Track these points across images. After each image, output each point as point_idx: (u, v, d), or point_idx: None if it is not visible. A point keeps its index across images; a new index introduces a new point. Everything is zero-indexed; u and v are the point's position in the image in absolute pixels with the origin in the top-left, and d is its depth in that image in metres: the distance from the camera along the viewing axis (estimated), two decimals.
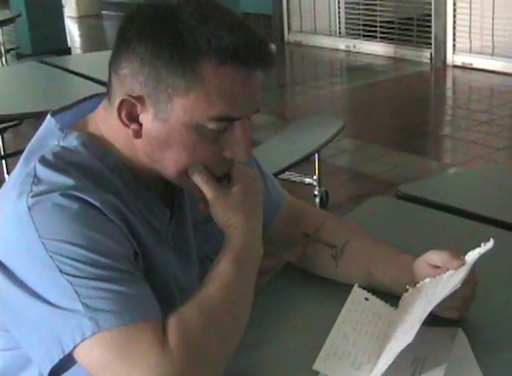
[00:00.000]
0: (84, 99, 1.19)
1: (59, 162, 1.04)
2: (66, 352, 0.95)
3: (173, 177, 1.09)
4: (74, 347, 0.95)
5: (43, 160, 1.04)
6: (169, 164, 1.07)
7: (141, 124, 1.05)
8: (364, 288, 1.22)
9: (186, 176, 1.08)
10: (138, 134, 1.06)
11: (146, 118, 1.04)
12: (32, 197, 0.99)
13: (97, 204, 1.00)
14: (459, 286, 1.07)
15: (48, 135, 1.10)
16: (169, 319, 0.98)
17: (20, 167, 1.08)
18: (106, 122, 1.10)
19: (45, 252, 0.97)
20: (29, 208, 0.98)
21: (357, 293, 1.21)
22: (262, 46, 1.04)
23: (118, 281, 0.97)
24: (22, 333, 1.01)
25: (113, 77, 1.07)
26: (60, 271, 0.96)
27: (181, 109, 1.02)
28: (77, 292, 0.95)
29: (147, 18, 1.03)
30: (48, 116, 1.14)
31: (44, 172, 1.03)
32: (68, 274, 0.96)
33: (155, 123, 1.04)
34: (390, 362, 1.00)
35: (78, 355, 0.96)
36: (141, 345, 0.94)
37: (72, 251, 0.97)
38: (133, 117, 1.05)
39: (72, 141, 1.08)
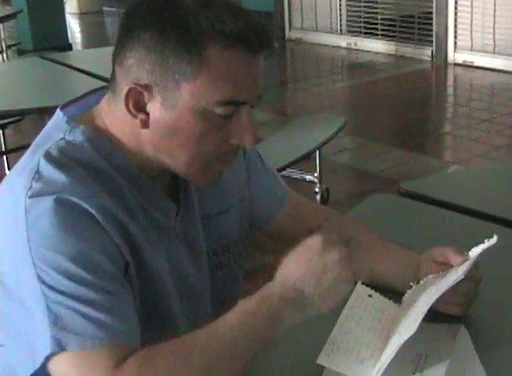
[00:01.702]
0: (92, 92, 1.19)
1: (63, 158, 1.04)
2: (38, 365, 0.95)
3: (181, 166, 1.09)
4: (46, 359, 0.95)
5: (47, 156, 1.04)
6: (177, 152, 1.06)
7: (148, 114, 1.05)
8: (367, 285, 1.22)
9: (194, 166, 1.08)
10: (145, 124, 1.05)
11: (154, 107, 1.04)
12: (30, 196, 0.99)
13: (92, 211, 0.99)
14: (462, 277, 1.07)
15: (55, 128, 1.10)
16: (140, 349, 0.96)
17: (26, 158, 1.07)
18: (110, 115, 1.10)
19: (29, 258, 0.96)
20: (25, 209, 0.98)
21: (360, 290, 1.21)
22: (264, 31, 1.04)
23: (93, 303, 0.96)
24: (5, 334, 1.02)
25: (117, 69, 1.07)
26: (39, 279, 0.96)
27: (188, 94, 1.02)
28: (48, 307, 0.95)
29: (150, 6, 1.04)
30: (58, 110, 1.13)
31: (46, 168, 1.02)
32: (46, 284, 0.96)
33: (163, 111, 1.04)
34: (393, 355, 1.00)
35: (49, 368, 0.96)
36: (94, 371, 0.94)
37: (56, 261, 0.96)
38: (140, 107, 1.05)
39: (78, 136, 1.07)
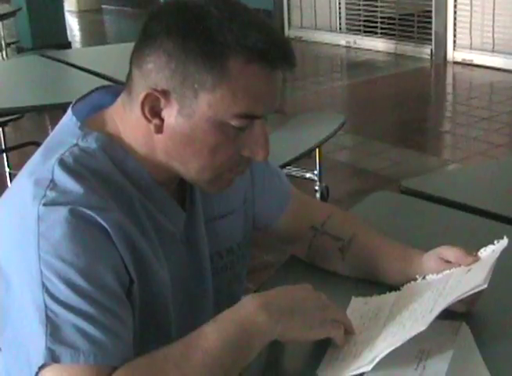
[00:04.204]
0: (96, 89, 1.18)
1: (78, 167, 1.03)
2: (33, 374, 0.94)
3: (192, 174, 1.08)
4: (39, 369, 0.94)
5: (62, 164, 1.03)
6: (189, 160, 1.06)
7: (163, 120, 1.04)
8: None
9: (205, 175, 1.07)
10: (159, 129, 1.05)
11: (170, 113, 1.03)
12: (44, 204, 0.98)
13: (106, 225, 0.99)
14: (485, 287, 1.06)
15: (68, 133, 1.09)
16: (124, 365, 0.95)
17: (37, 162, 1.07)
18: (124, 119, 1.09)
19: (37, 265, 0.96)
20: (38, 217, 0.97)
21: (355, 303, 1.19)
22: (287, 47, 1.04)
23: (92, 319, 0.95)
24: (5, 339, 1.01)
25: (134, 72, 1.06)
26: (43, 288, 0.95)
27: (206, 104, 1.01)
28: (47, 317, 0.94)
29: (175, 14, 1.03)
30: (69, 111, 1.12)
31: (61, 177, 1.01)
32: (48, 294, 0.95)
33: (179, 118, 1.03)
34: (393, 348, 1.00)
35: None
36: None
37: (63, 271, 0.96)
38: (156, 112, 1.04)
39: (91, 143, 1.07)
